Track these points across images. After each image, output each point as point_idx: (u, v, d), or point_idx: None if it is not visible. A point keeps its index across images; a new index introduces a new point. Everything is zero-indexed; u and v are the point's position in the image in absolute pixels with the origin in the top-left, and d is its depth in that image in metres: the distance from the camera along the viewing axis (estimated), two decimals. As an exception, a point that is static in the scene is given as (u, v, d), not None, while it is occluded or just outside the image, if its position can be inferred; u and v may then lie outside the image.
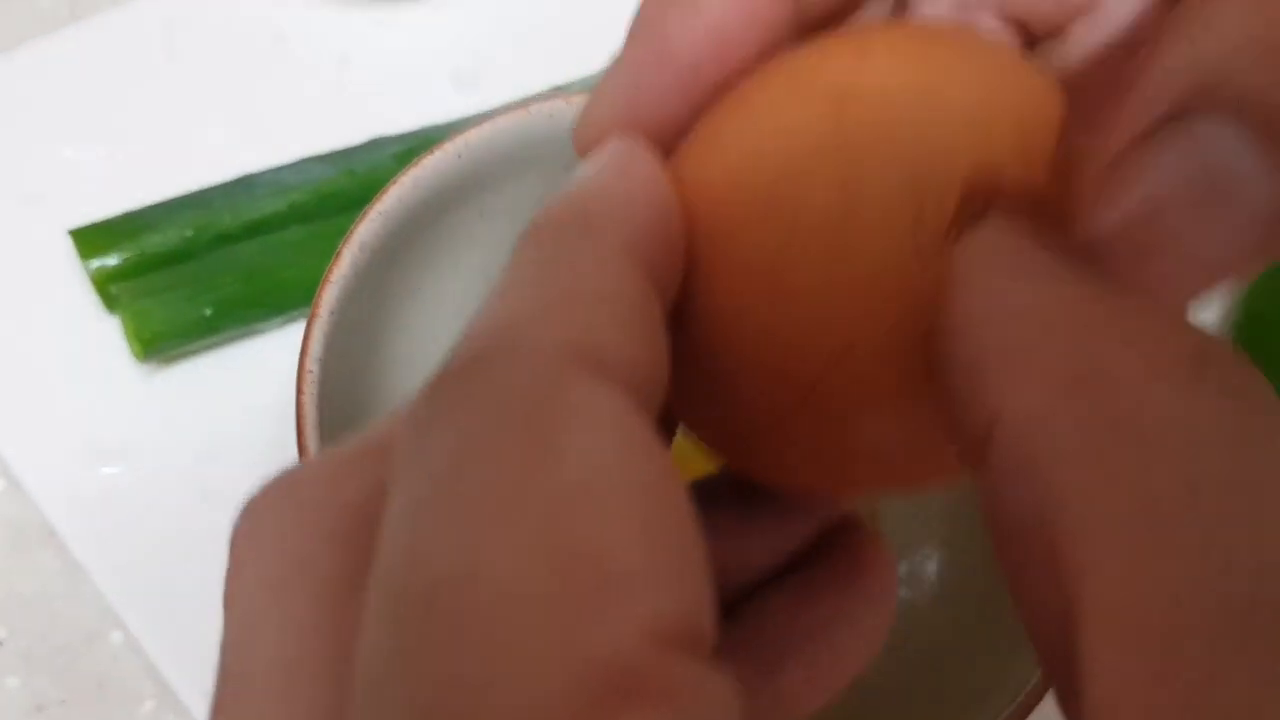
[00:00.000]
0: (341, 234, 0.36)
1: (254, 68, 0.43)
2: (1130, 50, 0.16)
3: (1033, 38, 0.17)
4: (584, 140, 0.16)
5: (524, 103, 0.30)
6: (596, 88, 0.17)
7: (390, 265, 0.29)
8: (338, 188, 0.38)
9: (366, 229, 0.27)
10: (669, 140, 0.16)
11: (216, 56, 0.43)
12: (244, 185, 0.38)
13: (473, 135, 0.29)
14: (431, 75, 0.44)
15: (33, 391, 0.36)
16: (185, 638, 0.32)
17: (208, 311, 0.35)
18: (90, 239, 0.36)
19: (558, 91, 0.43)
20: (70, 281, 0.37)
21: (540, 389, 0.11)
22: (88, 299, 0.37)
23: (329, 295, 0.26)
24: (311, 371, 0.25)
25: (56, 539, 0.34)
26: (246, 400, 0.36)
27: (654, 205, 0.15)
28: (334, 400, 0.26)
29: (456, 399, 0.12)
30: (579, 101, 0.30)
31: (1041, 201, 0.14)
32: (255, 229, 0.37)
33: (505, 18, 0.46)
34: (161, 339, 0.34)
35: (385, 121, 0.41)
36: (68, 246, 0.37)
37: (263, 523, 0.14)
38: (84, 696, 0.32)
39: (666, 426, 0.17)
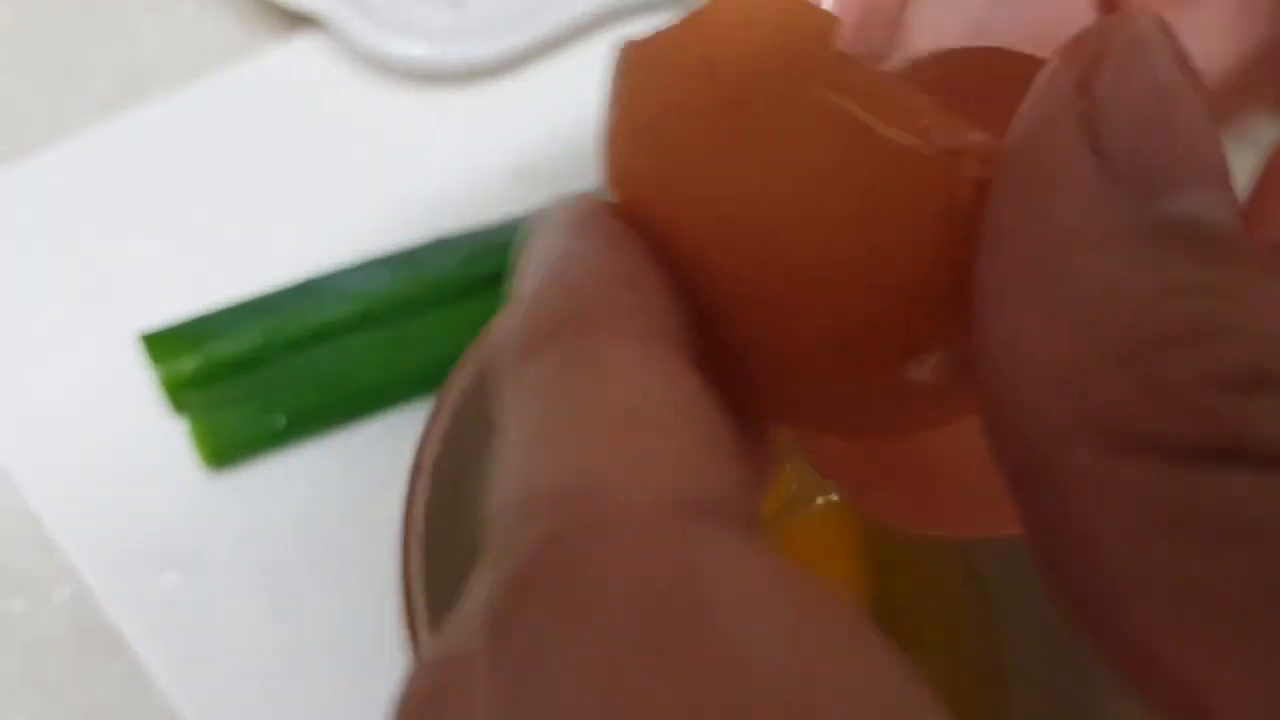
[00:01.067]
0: (407, 342, 0.37)
1: (314, 160, 0.44)
2: None
3: None
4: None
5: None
6: None
7: (480, 414, 0.29)
8: (404, 291, 0.38)
9: (461, 379, 0.28)
10: None
11: (276, 148, 0.44)
12: (311, 290, 0.38)
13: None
14: (491, 170, 0.44)
15: (99, 494, 0.36)
16: (253, 750, 0.32)
17: (281, 422, 0.35)
18: (161, 344, 0.36)
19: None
20: (136, 382, 0.37)
21: (662, 565, 0.10)
22: (154, 400, 0.37)
23: (430, 451, 0.27)
24: (417, 561, 0.25)
25: (124, 646, 0.34)
26: (313, 507, 0.36)
27: (654, 273, 0.14)
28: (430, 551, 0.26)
29: (562, 596, 0.10)
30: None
31: None
32: (324, 334, 0.37)
33: (561, 108, 0.47)
34: (233, 450, 0.35)
35: (447, 213, 0.41)
36: (132, 344, 0.37)
37: None
38: (153, 809, 0.33)
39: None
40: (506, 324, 0.13)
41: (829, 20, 0.13)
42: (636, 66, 0.15)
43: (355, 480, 0.36)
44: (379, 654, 0.30)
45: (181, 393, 0.35)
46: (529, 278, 0.14)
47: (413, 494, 0.26)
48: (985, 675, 0.33)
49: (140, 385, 0.37)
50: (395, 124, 0.45)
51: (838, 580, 0.32)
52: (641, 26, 0.48)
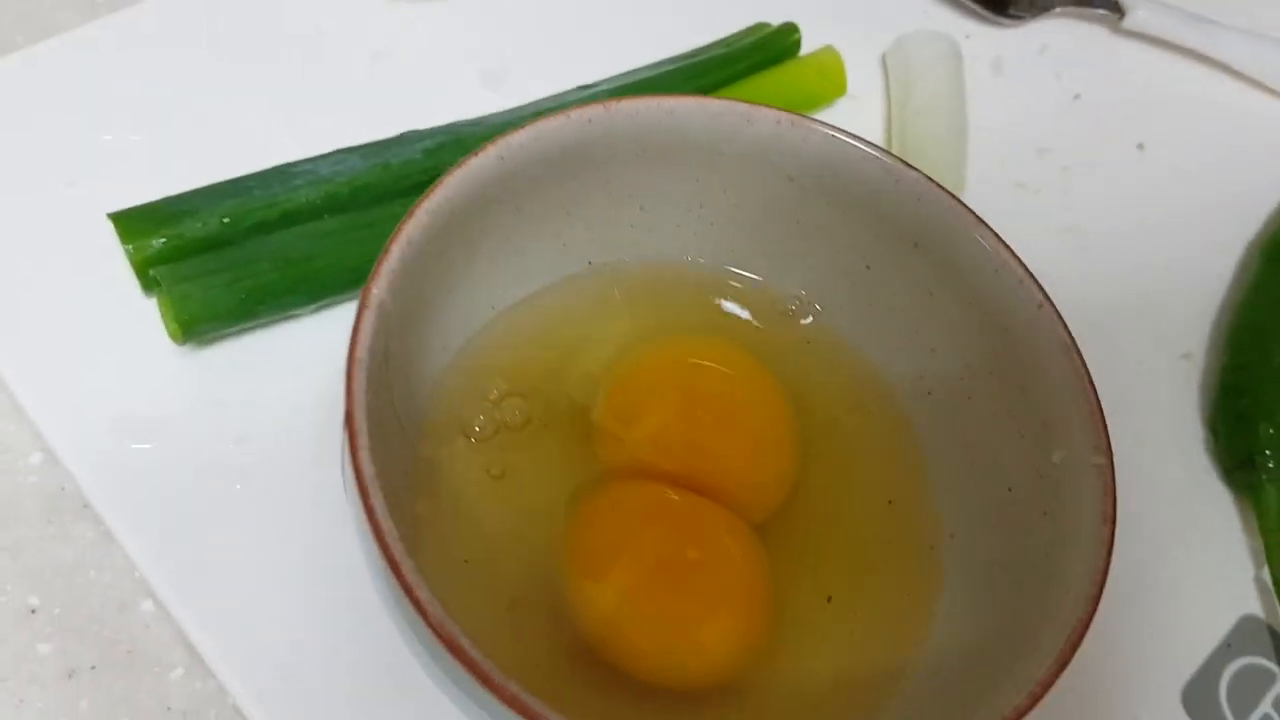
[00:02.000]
0: (374, 225, 0.38)
1: (292, 60, 0.45)
2: None
3: None
4: None
5: (563, 108, 0.31)
6: None
7: (432, 258, 0.30)
8: (371, 180, 0.39)
9: (414, 226, 0.28)
10: None
11: (256, 48, 0.45)
12: (280, 175, 0.39)
13: (514, 139, 0.31)
14: (461, 72, 0.45)
15: (70, 368, 0.37)
16: (214, 608, 0.33)
17: (243, 297, 0.36)
18: (131, 223, 0.37)
19: (583, 90, 0.44)
20: (110, 263, 0.38)
21: None
22: (126, 280, 0.38)
23: (378, 289, 0.27)
24: (361, 359, 0.26)
25: (91, 510, 0.35)
26: (278, 383, 0.37)
27: None
28: (375, 393, 0.27)
29: None
30: (613, 108, 0.32)
31: None
32: (291, 218, 0.38)
33: (532, 19, 0.48)
34: (199, 322, 0.36)
35: (416, 115, 0.42)
36: (108, 229, 0.38)
37: None
38: (115, 663, 0.34)
39: None
40: None
41: None
42: None
43: (316, 360, 0.37)
44: (336, 518, 0.30)
45: (149, 269, 0.36)
46: None
47: (357, 329, 0.27)
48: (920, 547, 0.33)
49: (115, 266, 0.38)
50: (373, 30, 0.46)
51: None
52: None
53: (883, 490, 0.34)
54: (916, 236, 0.33)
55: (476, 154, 0.30)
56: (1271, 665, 0.39)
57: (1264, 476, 0.41)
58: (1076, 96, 0.51)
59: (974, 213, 0.32)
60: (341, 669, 0.33)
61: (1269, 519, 0.40)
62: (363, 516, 0.25)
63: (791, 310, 0.36)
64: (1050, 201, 0.48)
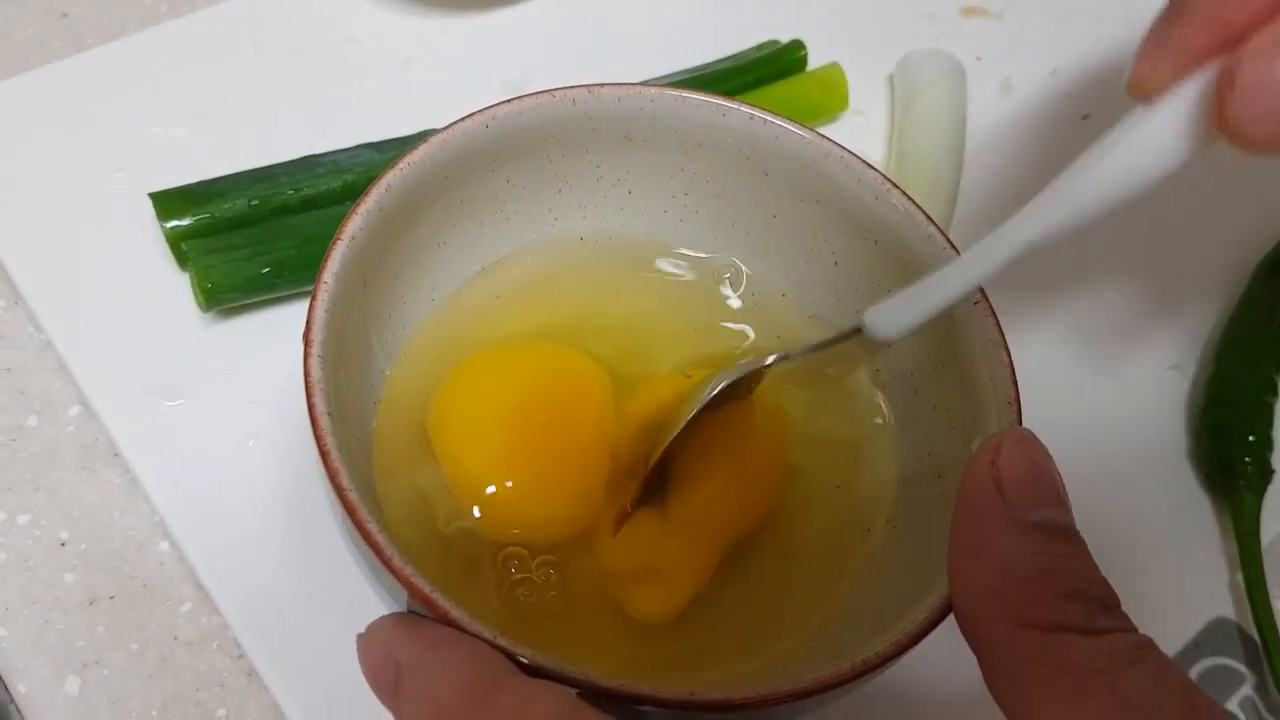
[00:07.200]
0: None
1: (327, 65, 0.48)
2: None
3: None
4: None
5: (552, 90, 0.34)
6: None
7: (415, 210, 0.33)
8: (388, 171, 0.42)
9: (394, 175, 0.32)
10: None
11: (295, 53, 0.49)
12: (306, 164, 0.42)
13: (500, 110, 0.34)
14: (485, 81, 0.49)
15: (111, 332, 0.40)
16: (223, 551, 0.37)
17: (265, 270, 0.39)
18: (168, 202, 0.40)
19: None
20: (150, 241, 0.42)
21: None
22: (163, 257, 0.42)
23: (352, 224, 0.30)
24: (326, 283, 0.29)
25: (120, 459, 0.39)
26: (292, 351, 0.40)
27: None
28: (344, 316, 0.30)
29: None
30: (598, 92, 0.34)
31: None
32: (312, 203, 0.41)
33: (556, 33, 0.51)
34: (221, 291, 0.39)
35: (441, 118, 0.45)
36: (150, 211, 0.42)
37: None
38: (131, 595, 0.37)
39: None
40: None
41: None
42: None
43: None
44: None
45: (181, 244, 0.40)
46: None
47: (328, 256, 0.30)
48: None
49: (155, 244, 0.42)
50: (402, 39, 0.50)
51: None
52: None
53: (832, 474, 0.36)
54: (876, 234, 0.35)
55: (464, 119, 0.33)
56: (1240, 666, 0.40)
57: (1242, 483, 0.41)
58: (1086, 117, 0.53)
59: (924, 211, 0.33)
60: (327, 612, 0.36)
61: (1245, 524, 0.41)
62: (308, 413, 0.28)
63: (782, 296, 0.38)
64: (1050, 216, 0.49)
